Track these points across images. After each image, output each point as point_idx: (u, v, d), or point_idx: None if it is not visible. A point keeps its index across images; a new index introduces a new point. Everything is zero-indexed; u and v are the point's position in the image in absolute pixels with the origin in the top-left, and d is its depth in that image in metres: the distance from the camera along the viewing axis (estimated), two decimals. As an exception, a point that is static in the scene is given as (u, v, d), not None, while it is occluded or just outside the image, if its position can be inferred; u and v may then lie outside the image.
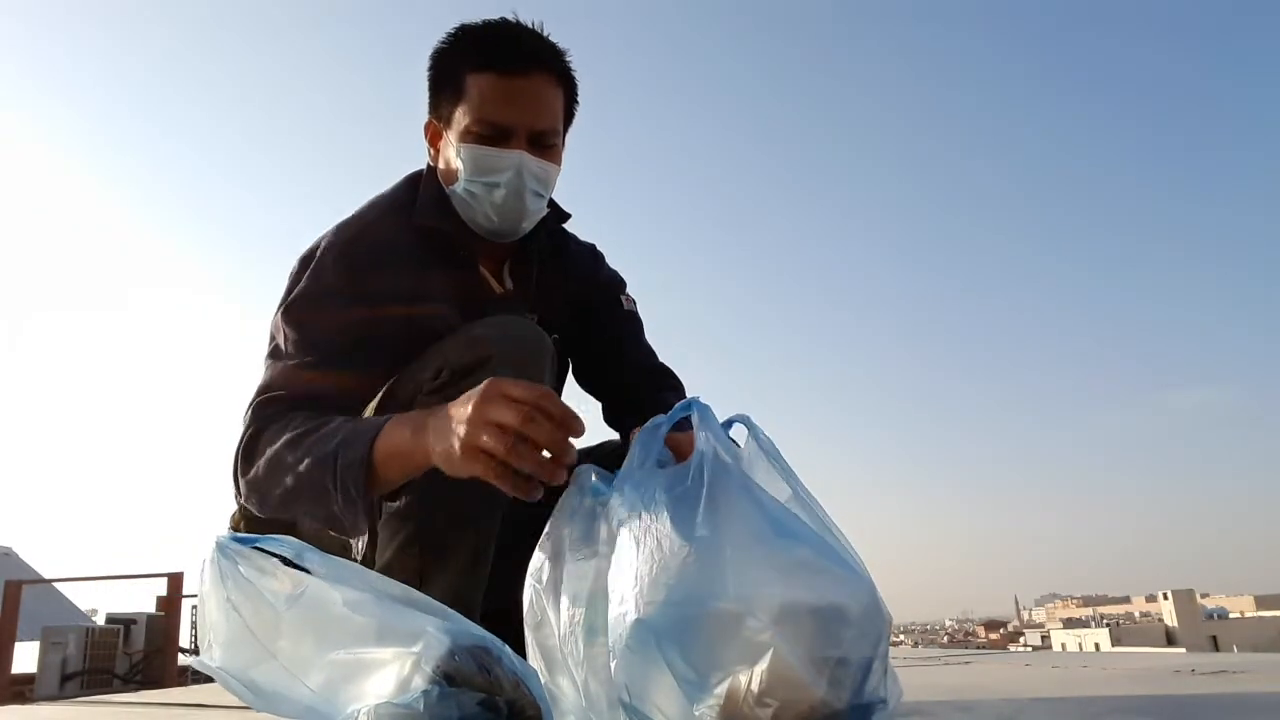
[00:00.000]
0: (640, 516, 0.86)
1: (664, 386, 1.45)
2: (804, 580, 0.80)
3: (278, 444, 1.09)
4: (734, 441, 0.96)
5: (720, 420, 0.95)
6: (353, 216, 1.33)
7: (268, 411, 1.16)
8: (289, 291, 1.25)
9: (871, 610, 0.82)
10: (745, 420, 0.96)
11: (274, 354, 1.23)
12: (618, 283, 1.57)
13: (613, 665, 0.82)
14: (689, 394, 1.46)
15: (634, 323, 1.54)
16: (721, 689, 0.77)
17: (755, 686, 0.76)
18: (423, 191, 1.36)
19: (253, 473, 1.12)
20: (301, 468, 1.06)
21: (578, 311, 1.49)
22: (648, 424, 0.97)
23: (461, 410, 0.93)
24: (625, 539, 0.86)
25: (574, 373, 1.53)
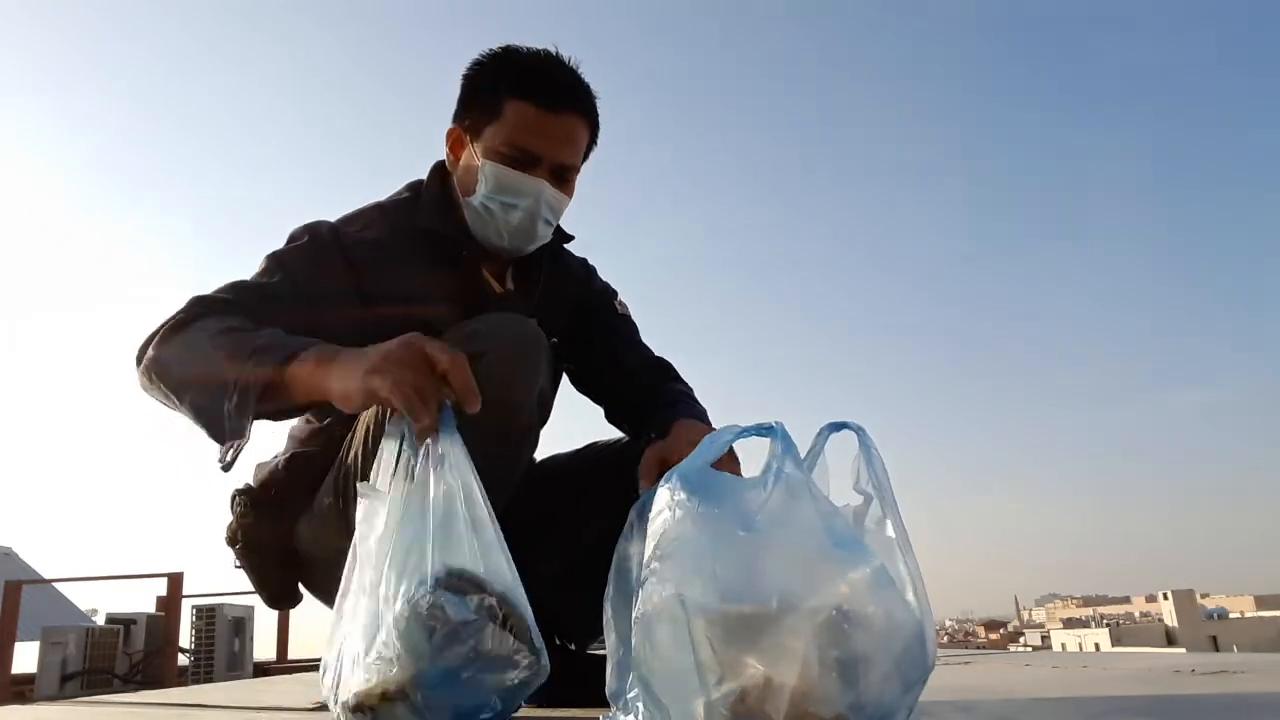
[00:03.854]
0: (698, 503, 0.85)
1: (665, 377, 1.50)
2: (852, 598, 0.78)
3: (204, 331, 1.13)
4: (822, 456, 0.92)
5: (830, 423, 0.91)
6: (353, 211, 1.39)
7: (208, 305, 1.19)
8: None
9: (915, 649, 0.79)
10: (858, 430, 0.90)
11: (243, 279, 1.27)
12: (610, 291, 1.62)
13: (636, 632, 0.82)
14: (690, 385, 1.48)
15: (628, 324, 1.59)
16: (738, 683, 0.76)
17: (773, 688, 0.75)
18: (425, 194, 1.41)
19: (165, 347, 1.15)
20: (215, 356, 1.09)
21: (575, 318, 1.52)
22: (716, 431, 0.93)
23: (382, 348, 1.01)
24: (678, 520, 0.85)
25: (573, 379, 1.55)
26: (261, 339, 1.10)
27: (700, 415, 1.35)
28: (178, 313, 1.18)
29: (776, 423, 0.87)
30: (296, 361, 1.06)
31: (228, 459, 1.10)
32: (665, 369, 1.52)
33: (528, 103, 1.31)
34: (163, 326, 1.17)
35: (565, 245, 1.55)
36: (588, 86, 1.38)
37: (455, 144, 1.41)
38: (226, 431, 1.07)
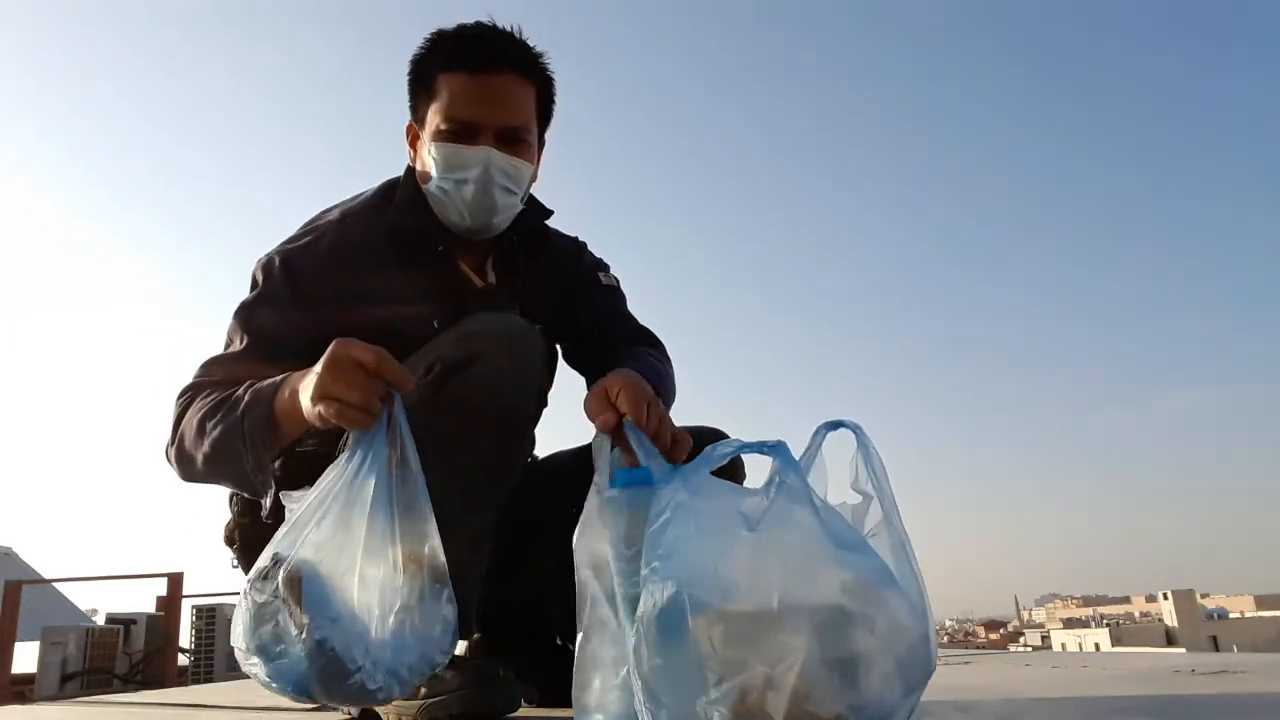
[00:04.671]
0: (700, 504, 0.85)
1: (641, 344, 1.45)
2: (854, 598, 0.78)
3: (199, 415, 1.16)
4: (819, 456, 0.89)
5: (827, 421, 0.89)
6: (309, 223, 1.37)
7: (193, 392, 1.22)
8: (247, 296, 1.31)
9: (919, 650, 0.79)
10: (855, 428, 0.88)
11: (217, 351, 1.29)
12: (599, 266, 1.58)
13: (635, 631, 0.82)
14: (666, 354, 1.44)
15: (613, 296, 1.55)
16: (739, 682, 0.76)
17: (773, 688, 0.75)
18: (400, 193, 1.39)
19: (178, 446, 1.19)
20: (216, 433, 1.12)
21: (562, 301, 1.49)
22: (716, 444, 0.91)
23: (316, 369, 1.02)
24: (679, 519, 0.84)
25: (565, 357, 1.53)
26: (241, 401, 1.13)
27: (646, 370, 1.19)
28: (175, 413, 1.22)
29: (779, 441, 0.86)
30: (277, 403, 1.10)
31: (267, 508, 1.14)
32: (644, 337, 1.49)
33: (456, 73, 1.30)
34: (170, 432, 1.21)
35: (550, 224, 1.51)
36: (525, 44, 1.35)
37: (413, 139, 1.40)
38: (260, 489, 1.12)
